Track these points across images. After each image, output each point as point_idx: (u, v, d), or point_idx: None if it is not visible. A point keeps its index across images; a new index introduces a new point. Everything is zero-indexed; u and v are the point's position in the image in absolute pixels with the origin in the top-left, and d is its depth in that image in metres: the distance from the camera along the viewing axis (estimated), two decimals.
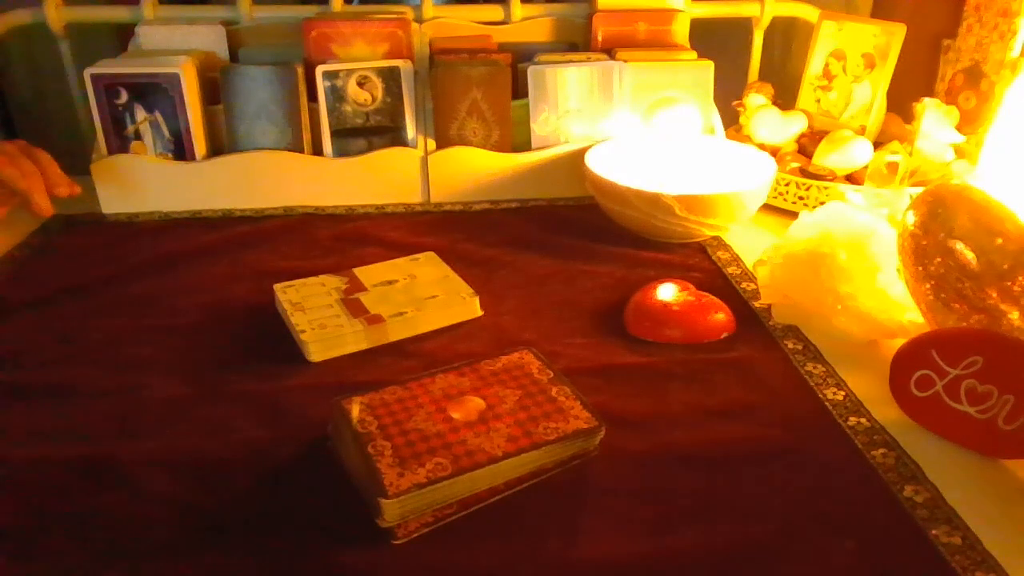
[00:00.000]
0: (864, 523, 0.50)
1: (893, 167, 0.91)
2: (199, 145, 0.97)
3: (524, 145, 1.02)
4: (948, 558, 0.47)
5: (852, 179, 0.95)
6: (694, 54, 1.06)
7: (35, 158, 0.77)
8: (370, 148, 1.00)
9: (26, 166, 0.76)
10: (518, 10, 1.08)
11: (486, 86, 0.99)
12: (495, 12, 1.09)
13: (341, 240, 0.91)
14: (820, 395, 0.63)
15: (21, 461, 0.55)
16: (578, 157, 0.96)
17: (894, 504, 0.52)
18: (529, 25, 1.09)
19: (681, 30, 1.09)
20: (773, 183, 0.92)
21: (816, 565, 0.47)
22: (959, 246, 0.61)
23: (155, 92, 0.94)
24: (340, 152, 0.99)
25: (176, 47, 1.01)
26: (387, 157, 0.99)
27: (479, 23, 1.08)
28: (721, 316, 0.72)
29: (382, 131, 1.00)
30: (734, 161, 0.96)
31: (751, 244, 0.88)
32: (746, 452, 0.56)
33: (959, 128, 0.93)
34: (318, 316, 0.70)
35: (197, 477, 0.54)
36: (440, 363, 0.63)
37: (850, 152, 0.94)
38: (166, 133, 0.96)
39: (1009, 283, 0.59)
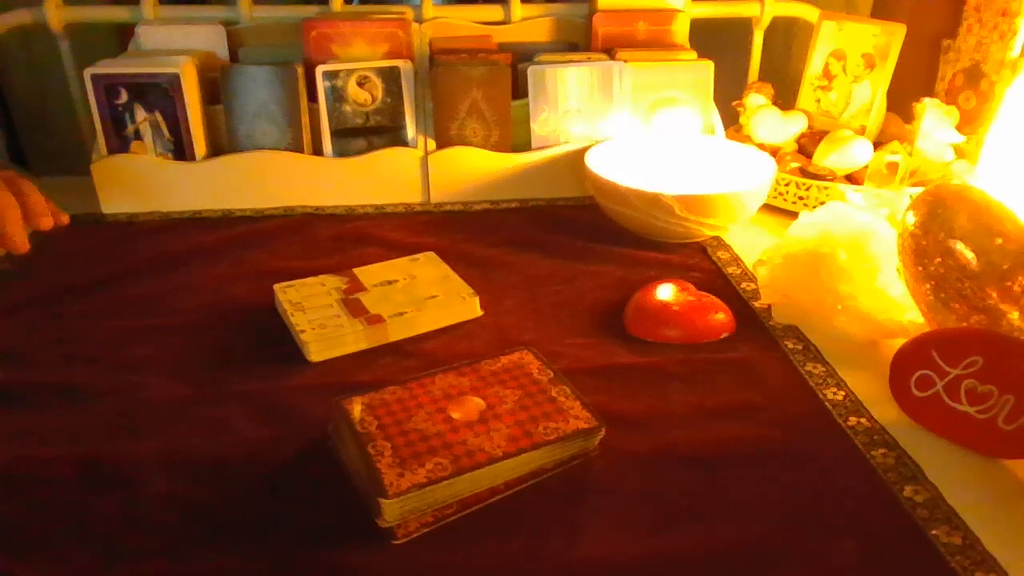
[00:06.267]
0: (864, 523, 0.50)
1: (893, 167, 0.91)
2: (199, 145, 0.97)
3: (524, 145, 1.02)
4: (948, 558, 0.47)
5: (852, 179, 0.95)
6: (694, 54, 1.06)
7: (17, 189, 0.69)
8: (370, 148, 1.00)
9: (2, 199, 0.67)
10: (518, 10, 1.08)
11: (486, 86, 0.99)
12: (495, 12, 1.09)
13: (341, 240, 0.91)
14: (820, 395, 0.63)
15: (21, 461, 0.55)
16: (578, 157, 0.95)
17: (894, 504, 0.52)
18: (529, 25, 1.09)
19: (681, 30, 1.09)
20: (773, 183, 0.92)
21: (816, 565, 0.47)
22: (959, 246, 0.61)
23: (155, 92, 0.94)
24: (340, 152, 0.99)
25: (176, 47, 1.01)
26: (387, 157, 0.99)
27: (479, 23, 1.08)
28: (721, 316, 0.72)
29: (382, 131, 1.00)
30: (734, 161, 0.96)
31: (751, 244, 0.88)
32: (746, 452, 0.56)
33: (959, 128, 0.93)
34: (318, 316, 0.70)
35: (197, 477, 0.54)
36: (440, 363, 0.63)
37: (850, 152, 0.94)
38: (166, 133, 0.96)
39: (1009, 283, 0.59)
